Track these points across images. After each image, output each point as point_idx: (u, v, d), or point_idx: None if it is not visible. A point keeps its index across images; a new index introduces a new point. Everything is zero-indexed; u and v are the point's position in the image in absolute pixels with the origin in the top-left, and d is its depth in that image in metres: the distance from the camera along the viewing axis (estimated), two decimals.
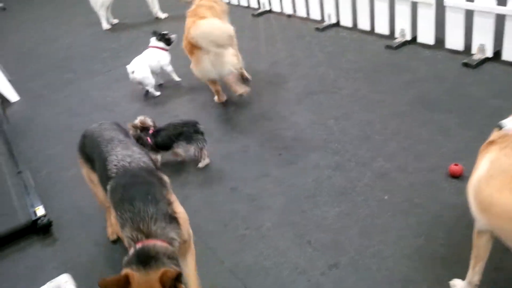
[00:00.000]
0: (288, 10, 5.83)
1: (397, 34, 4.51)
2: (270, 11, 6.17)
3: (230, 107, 4.00)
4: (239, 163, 3.24)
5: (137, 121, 3.19)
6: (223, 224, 2.72)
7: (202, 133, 3.17)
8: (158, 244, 1.71)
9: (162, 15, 6.87)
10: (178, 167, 3.31)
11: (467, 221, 1.96)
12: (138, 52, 4.43)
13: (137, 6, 7.37)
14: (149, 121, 3.21)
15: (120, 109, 4.30)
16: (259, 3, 6.33)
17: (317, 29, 5.21)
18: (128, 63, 4.25)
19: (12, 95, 4.89)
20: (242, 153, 3.33)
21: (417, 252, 2.32)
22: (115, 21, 7.12)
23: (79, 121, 4.22)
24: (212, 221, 2.76)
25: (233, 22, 3.98)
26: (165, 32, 4.47)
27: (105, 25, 6.91)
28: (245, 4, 6.58)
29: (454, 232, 2.37)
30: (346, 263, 2.33)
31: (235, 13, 5.40)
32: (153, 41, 4.43)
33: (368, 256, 2.34)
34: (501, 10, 3.60)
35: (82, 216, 2.97)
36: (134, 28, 6.69)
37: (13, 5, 9.85)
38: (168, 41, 4.44)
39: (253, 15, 6.19)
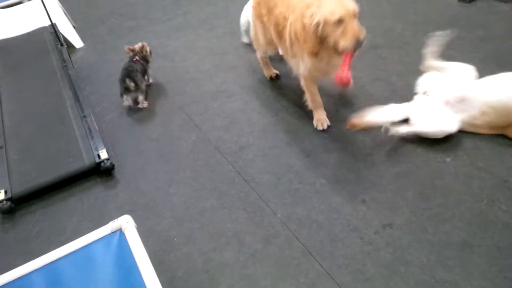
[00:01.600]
0: None
1: None
2: None
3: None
4: (294, 117, 3.20)
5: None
6: (277, 177, 2.74)
7: (127, 88, 3.53)
8: None
9: None
10: (232, 117, 3.32)
11: None
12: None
13: None
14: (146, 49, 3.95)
15: (179, 58, 4.33)
16: None
17: None
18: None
19: (77, 41, 5.04)
20: (297, 108, 3.28)
21: (477, 217, 2.24)
22: None
23: None
24: (266, 173, 2.78)
25: None
26: None
27: None
28: None
29: None
30: (401, 224, 2.29)
31: None
32: None
33: (424, 219, 2.29)
34: None
35: (143, 161, 3.08)
36: None
37: None
38: None
39: None
